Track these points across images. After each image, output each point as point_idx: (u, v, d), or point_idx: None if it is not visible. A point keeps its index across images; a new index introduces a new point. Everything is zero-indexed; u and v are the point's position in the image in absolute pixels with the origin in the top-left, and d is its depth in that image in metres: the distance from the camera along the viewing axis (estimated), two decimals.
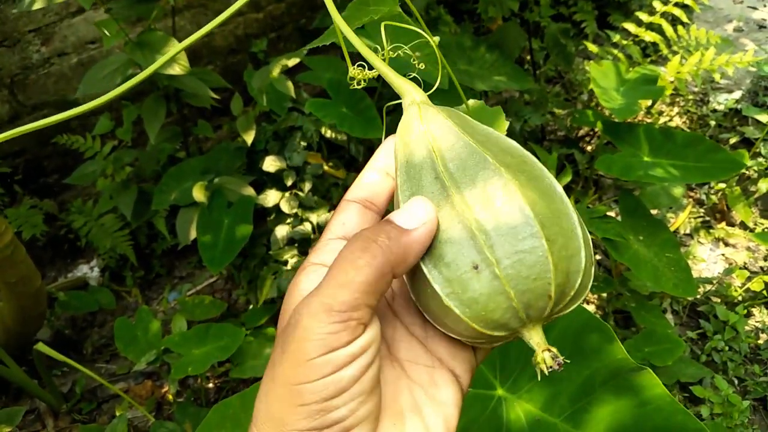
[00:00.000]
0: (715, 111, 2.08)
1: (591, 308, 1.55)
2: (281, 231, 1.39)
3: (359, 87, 0.42)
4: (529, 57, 2.06)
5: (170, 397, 1.42)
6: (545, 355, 0.31)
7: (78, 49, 1.68)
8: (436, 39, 0.52)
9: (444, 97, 1.37)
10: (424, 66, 0.43)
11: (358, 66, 0.41)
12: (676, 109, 2.11)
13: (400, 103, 0.47)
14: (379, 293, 0.29)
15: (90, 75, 1.22)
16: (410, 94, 0.37)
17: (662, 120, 2.04)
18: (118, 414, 1.30)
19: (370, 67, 0.41)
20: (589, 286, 0.32)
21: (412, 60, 0.43)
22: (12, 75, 1.61)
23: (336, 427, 0.28)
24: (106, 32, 1.19)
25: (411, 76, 0.45)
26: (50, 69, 1.66)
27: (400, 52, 0.44)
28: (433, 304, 0.32)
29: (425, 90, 0.45)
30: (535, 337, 0.31)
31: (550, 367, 0.31)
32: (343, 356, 0.28)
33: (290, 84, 1.40)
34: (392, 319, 0.35)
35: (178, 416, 1.26)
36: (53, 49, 1.64)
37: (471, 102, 0.66)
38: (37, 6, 1.01)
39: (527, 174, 0.31)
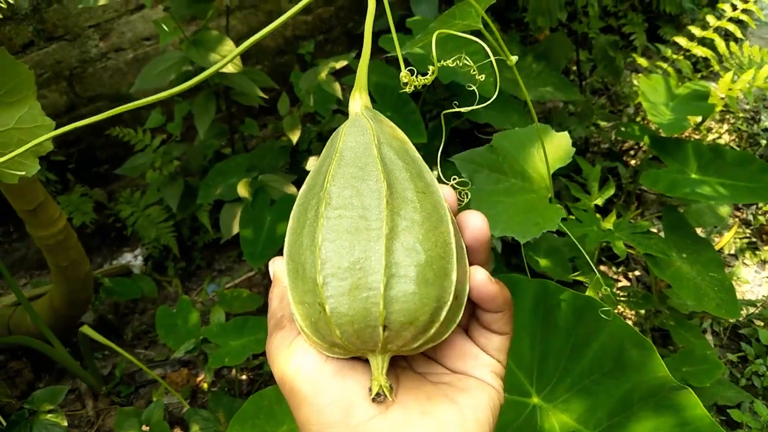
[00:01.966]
0: (766, 130, 2.03)
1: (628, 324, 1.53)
2: None
3: (409, 91, 0.43)
4: (575, 68, 2.04)
5: (205, 385, 1.46)
6: (373, 384, 0.32)
7: (134, 45, 1.74)
8: (514, 58, 0.53)
9: (509, 107, 1.38)
10: (483, 78, 0.44)
11: (409, 70, 0.42)
12: (725, 126, 2.06)
13: (446, 112, 0.48)
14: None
15: (146, 71, 1.26)
16: (353, 102, 0.39)
17: (711, 137, 1.99)
18: (155, 399, 1.34)
19: (423, 73, 0.42)
20: (417, 330, 0.32)
21: (471, 71, 0.44)
22: (71, 68, 1.68)
23: None
24: (164, 28, 1.24)
25: (471, 88, 0.46)
26: (107, 63, 1.72)
27: (458, 61, 0.46)
28: None
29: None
30: (373, 364, 0.32)
31: (376, 395, 0.32)
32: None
33: (337, 85, 1.42)
34: None
35: (212, 405, 1.29)
36: (111, 44, 1.71)
37: (540, 126, 0.67)
38: (101, 2, 1.05)
39: (355, 225, 0.32)
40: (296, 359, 0.34)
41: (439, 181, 0.42)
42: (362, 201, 0.32)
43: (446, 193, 0.37)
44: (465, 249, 0.35)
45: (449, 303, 0.32)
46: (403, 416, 0.32)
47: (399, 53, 0.42)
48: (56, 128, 1.79)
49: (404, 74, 0.41)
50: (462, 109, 0.46)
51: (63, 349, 1.38)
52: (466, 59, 0.44)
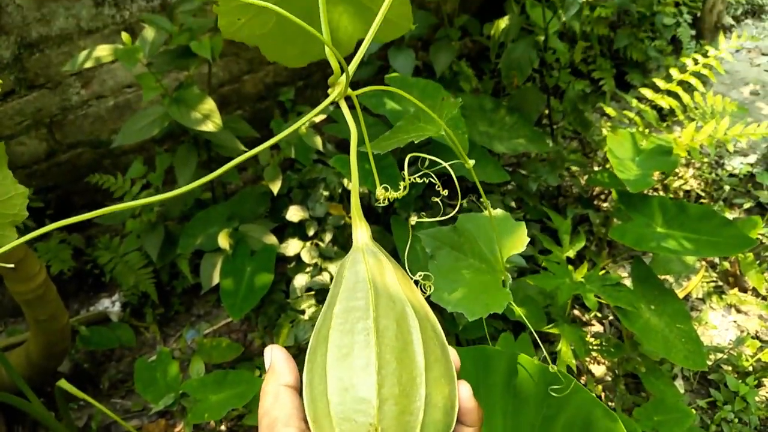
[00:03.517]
0: (731, 176, 2.11)
1: (602, 369, 1.57)
2: (300, 280, 1.43)
3: (384, 204, 0.47)
4: (547, 111, 2.11)
5: None
6: None
7: (115, 92, 1.76)
8: (472, 162, 0.57)
9: (484, 160, 1.41)
10: (447, 192, 0.48)
11: (383, 187, 0.46)
12: (690, 171, 2.14)
13: (418, 221, 0.52)
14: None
15: (128, 126, 1.28)
16: (355, 232, 0.43)
17: (677, 183, 2.07)
18: None
19: (396, 189, 0.46)
20: None
21: (437, 187, 0.47)
22: (51, 115, 1.69)
23: None
24: (145, 85, 1.26)
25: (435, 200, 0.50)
26: (88, 110, 1.73)
27: (425, 178, 0.49)
28: None
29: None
30: None
31: None
32: None
33: (318, 138, 1.46)
34: None
35: None
36: (92, 92, 1.72)
37: (497, 212, 0.71)
38: (87, 65, 1.08)
39: (400, 370, 0.36)
40: None
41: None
42: (407, 354, 0.36)
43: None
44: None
45: (453, 427, 0.37)
46: None
47: (375, 172, 0.45)
48: (35, 174, 1.76)
49: (380, 191, 0.45)
50: (432, 219, 0.50)
51: (39, 402, 1.36)
52: (432, 177, 0.48)
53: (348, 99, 0.46)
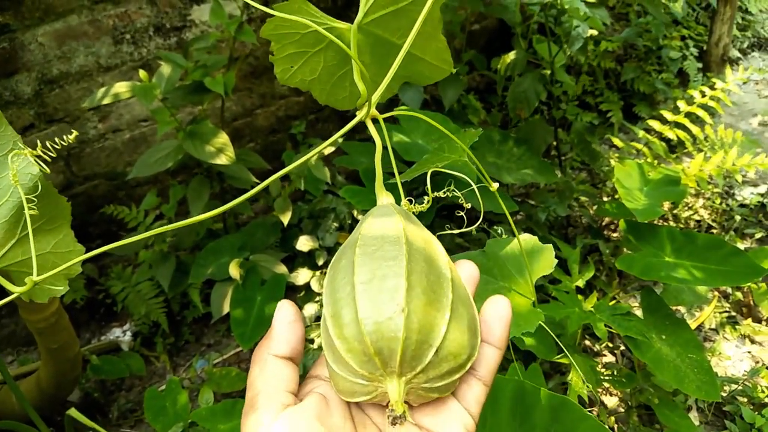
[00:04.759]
0: (741, 206, 2.11)
1: (614, 401, 1.54)
2: (309, 309, 1.43)
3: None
4: (555, 143, 2.13)
5: None
6: (395, 406, 0.34)
7: (131, 126, 1.80)
8: (495, 185, 0.59)
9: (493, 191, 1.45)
10: (469, 205, 0.50)
11: (408, 200, 0.48)
12: (701, 201, 2.14)
13: (441, 233, 0.55)
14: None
15: (143, 159, 1.32)
16: (380, 198, 0.46)
17: (687, 213, 2.07)
18: None
19: (420, 203, 0.48)
20: (451, 367, 0.35)
21: (459, 200, 0.49)
22: (69, 148, 1.74)
23: None
24: (160, 119, 1.30)
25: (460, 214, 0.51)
26: (104, 144, 1.78)
27: (449, 193, 0.51)
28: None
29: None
30: (391, 389, 0.34)
31: (395, 418, 0.33)
32: None
33: (327, 171, 1.48)
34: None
35: None
36: (109, 126, 1.77)
37: (525, 236, 0.72)
38: (105, 102, 1.12)
39: (424, 274, 0.36)
40: None
41: None
42: (439, 289, 0.36)
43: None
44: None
45: (475, 356, 0.36)
46: None
47: (399, 184, 0.47)
48: None
49: (404, 203, 0.47)
50: (454, 231, 0.52)
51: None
52: (455, 191, 0.50)
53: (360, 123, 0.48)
